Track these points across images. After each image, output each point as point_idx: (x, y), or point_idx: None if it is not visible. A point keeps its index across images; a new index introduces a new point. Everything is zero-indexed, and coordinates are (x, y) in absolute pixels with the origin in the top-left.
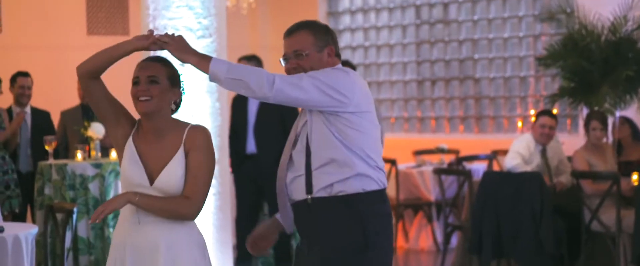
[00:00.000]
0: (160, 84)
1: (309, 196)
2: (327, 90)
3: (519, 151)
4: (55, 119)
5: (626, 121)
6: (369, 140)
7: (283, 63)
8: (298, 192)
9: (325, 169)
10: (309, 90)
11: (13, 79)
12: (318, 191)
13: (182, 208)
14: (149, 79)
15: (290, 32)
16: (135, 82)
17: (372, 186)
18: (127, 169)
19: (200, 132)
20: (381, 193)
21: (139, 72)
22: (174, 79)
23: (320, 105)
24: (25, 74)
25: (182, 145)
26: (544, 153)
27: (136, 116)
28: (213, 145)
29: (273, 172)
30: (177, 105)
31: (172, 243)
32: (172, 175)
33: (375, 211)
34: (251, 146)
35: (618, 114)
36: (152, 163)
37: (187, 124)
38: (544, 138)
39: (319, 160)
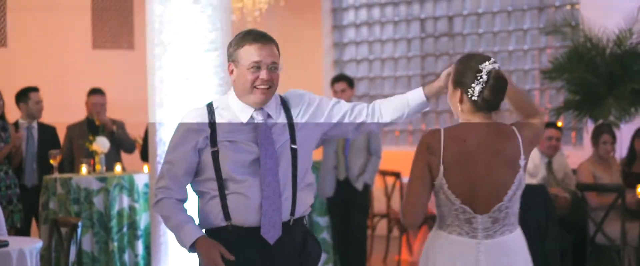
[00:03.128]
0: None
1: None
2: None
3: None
4: (61, 133)
5: None
6: None
7: (263, 71)
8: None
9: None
10: None
11: (24, 94)
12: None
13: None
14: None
15: (269, 40)
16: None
17: None
18: None
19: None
20: None
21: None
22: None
23: None
24: (35, 89)
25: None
26: (549, 166)
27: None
28: None
29: None
30: None
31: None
32: None
33: None
34: None
35: (623, 126)
36: None
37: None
38: (550, 149)
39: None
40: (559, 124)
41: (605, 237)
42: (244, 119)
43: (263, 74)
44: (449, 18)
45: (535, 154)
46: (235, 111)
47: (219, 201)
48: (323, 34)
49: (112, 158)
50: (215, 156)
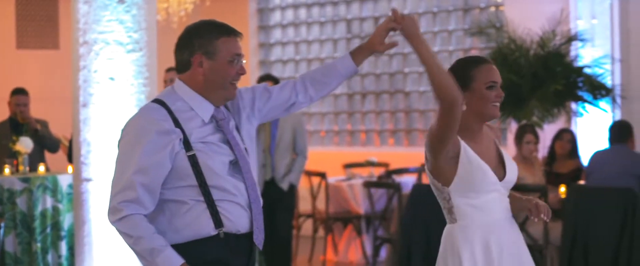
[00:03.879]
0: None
1: None
2: None
3: None
4: None
5: (571, 134)
6: None
7: (241, 62)
8: None
9: None
10: None
11: None
12: None
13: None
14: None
15: (237, 34)
16: (493, 86)
17: None
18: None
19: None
20: None
21: (495, 77)
22: None
23: None
24: None
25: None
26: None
27: None
28: None
29: None
30: None
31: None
32: (515, 170)
33: None
34: None
35: (546, 126)
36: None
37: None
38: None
39: None
40: None
41: (528, 236)
42: (206, 118)
43: (241, 68)
44: (375, 19)
45: None
46: (196, 109)
47: (205, 209)
48: (249, 34)
49: (35, 158)
50: (193, 160)
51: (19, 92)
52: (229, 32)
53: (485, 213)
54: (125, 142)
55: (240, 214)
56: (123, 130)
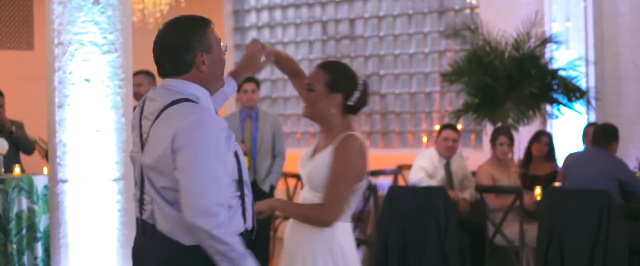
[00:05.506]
0: (315, 91)
1: None
2: None
3: (422, 165)
4: None
5: (548, 137)
6: None
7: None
8: None
9: None
10: None
11: None
12: None
13: (314, 213)
14: (307, 87)
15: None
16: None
17: None
18: None
19: (345, 142)
20: None
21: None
22: (333, 85)
23: None
24: None
25: (332, 148)
26: (447, 167)
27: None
28: (360, 157)
29: None
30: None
31: (307, 250)
32: (315, 169)
33: None
34: None
35: (521, 128)
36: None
37: (347, 133)
38: (447, 151)
39: None
40: (459, 126)
41: (504, 238)
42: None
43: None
44: (351, 21)
45: (433, 155)
46: (209, 104)
47: (240, 205)
48: (225, 36)
49: (11, 159)
50: (237, 157)
51: None
52: (209, 21)
53: None
54: (208, 148)
55: (250, 210)
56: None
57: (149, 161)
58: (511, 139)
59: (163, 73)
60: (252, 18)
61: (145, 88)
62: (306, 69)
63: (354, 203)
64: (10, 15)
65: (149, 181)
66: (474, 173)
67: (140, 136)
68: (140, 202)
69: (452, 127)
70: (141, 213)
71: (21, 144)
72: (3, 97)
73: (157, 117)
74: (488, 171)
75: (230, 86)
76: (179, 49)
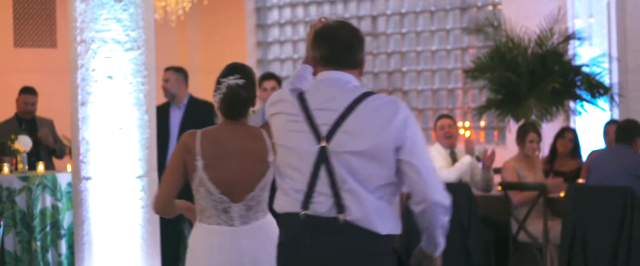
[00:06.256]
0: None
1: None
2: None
3: (439, 163)
4: None
5: (573, 133)
6: None
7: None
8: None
9: None
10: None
11: None
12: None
13: None
14: None
15: None
16: None
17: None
18: None
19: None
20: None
21: None
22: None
23: None
24: None
25: None
26: (453, 156)
27: None
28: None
29: None
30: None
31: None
32: None
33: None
34: None
35: (544, 125)
36: None
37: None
38: (446, 139)
39: None
40: (482, 123)
41: (527, 235)
42: None
43: None
44: (373, 18)
45: (438, 150)
46: None
47: None
48: (247, 33)
49: (35, 157)
50: None
51: (28, 92)
52: None
53: None
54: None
55: None
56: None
57: (362, 147)
58: (539, 136)
59: (339, 65)
60: (274, 15)
61: (172, 84)
62: None
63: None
64: (34, 13)
65: (349, 170)
66: (498, 170)
67: (313, 127)
68: (308, 196)
69: (446, 116)
70: (307, 208)
71: (55, 153)
72: (36, 96)
73: (352, 108)
74: (514, 167)
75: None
76: (356, 47)
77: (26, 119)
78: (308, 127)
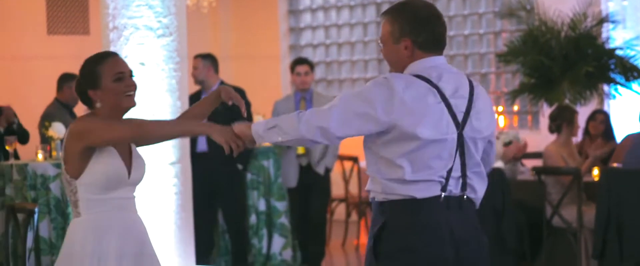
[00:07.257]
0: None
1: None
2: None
3: None
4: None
5: (604, 115)
6: None
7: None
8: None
9: None
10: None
11: None
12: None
13: None
14: (131, 73)
15: (381, 15)
16: (121, 77)
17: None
18: None
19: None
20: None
21: (120, 68)
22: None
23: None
24: None
25: None
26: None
27: None
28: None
29: (224, 170)
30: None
31: None
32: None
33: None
34: (202, 145)
35: (578, 109)
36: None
37: None
38: None
39: None
40: (515, 107)
41: (561, 220)
42: None
43: None
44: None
45: None
46: None
47: None
48: (279, 19)
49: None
50: None
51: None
52: None
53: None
54: None
55: None
56: None
57: (489, 131)
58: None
59: (442, 48)
60: (306, 1)
61: (201, 71)
62: (360, 51)
63: None
64: (66, 0)
65: (477, 153)
66: (537, 154)
67: (452, 115)
68: (458, 179)
69: None
70: (463, 189)
71: None
72: None
73: (473, 94)
74: (558, 152)
75: None
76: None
77: (70, 106)
78: (448, 115)
